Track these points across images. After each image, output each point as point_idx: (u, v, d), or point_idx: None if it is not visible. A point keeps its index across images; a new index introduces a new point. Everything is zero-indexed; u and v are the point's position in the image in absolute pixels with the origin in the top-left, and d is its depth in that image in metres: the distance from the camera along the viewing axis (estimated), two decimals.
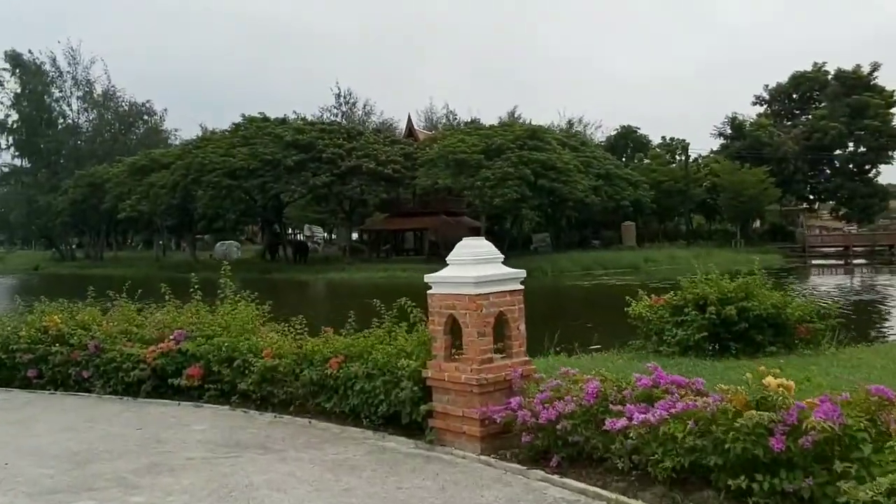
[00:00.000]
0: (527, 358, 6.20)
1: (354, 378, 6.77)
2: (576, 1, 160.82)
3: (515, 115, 74.91)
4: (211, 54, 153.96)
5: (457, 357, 6.05)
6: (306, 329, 8.19)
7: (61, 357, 9.19)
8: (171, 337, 8.58)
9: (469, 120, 75.98)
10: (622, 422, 4.78)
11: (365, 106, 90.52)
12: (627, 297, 10.82)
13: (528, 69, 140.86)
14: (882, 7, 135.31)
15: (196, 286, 9.60)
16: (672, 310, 10.12)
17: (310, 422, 7.13)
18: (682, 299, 10.05)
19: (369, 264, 49.85)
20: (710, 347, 9.88)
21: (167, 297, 9.94)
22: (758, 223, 63.88)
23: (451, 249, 6.53)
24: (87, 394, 8.98)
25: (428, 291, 6.37)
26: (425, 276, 6.47)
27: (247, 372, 7.78)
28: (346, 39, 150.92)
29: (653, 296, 10.79)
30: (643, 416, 4.68)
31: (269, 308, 9.30)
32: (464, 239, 6.46)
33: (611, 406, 5.01)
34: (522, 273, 6.24)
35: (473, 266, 6.00)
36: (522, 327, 6.18)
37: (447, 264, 6.25)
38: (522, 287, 6.22)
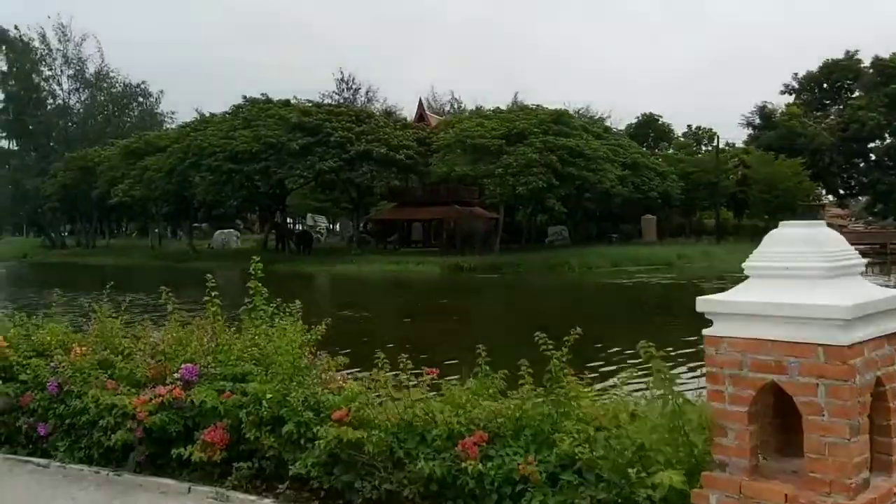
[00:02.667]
0: None
1: (524, 485, 3.66)
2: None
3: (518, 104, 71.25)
4: (198, 44, 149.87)
5: (766, 462, 2.98)
6: (383, 361, 5.01)
7: (4, 402, 5.99)
8: (177, 376, 5.38)
9: (474, 108, 72.70)
10: None
11: (368, 92, 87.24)
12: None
13: (524, 63, 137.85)
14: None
15: (212, 290, 6.45)
16: None
17: None
18: None
19: (378, 256, 46.55)
20: None
21: (168, 302, 6.73)
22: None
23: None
24: (42, 461, 5.75)
25: (706, 331, 3.22)
26: (698, 300, 3.26)
27: (305, 443, 4.65)
28: (339, 31, 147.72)
29: None
30: None
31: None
32: (781, 226, 3.27)
33: None
34: None
35: (828, 283, 2.89)
36: None
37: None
38: None
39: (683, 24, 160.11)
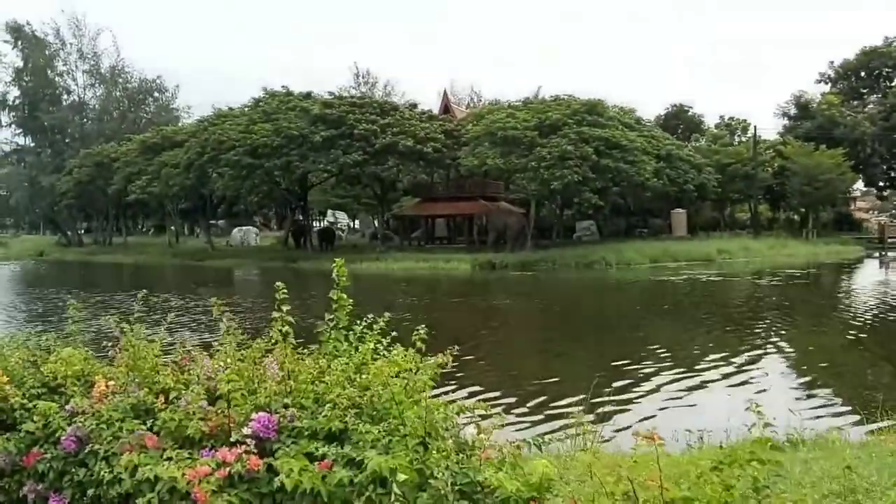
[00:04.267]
0: None
1: None
2: None
3: (539, 97, 68.92)
4: (209, 43, 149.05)
5: None
6: None
7: (2, 459, 4.33)
8: (246, 431, 3.67)
9: (494, 101, 70.73)
10: None
11: (386, 86, 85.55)
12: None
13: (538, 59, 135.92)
14: None
15: (282, 303, 4.77)
16: None
17: None
18: None
19: (404, 253, 44.84)
20: None
21: (218, 316, 4.95)
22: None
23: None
24: None
25: None
26: None
27: None
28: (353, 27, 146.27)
29: None
30: None
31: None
32: None
33: None
34: None
35: None
36: None
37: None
38: None
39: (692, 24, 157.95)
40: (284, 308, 4.70)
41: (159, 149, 52.66)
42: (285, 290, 4.81)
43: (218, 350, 4.88)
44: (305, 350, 4.73)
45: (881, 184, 60.31)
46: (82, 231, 76.81)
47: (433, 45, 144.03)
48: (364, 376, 4.18)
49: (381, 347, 4.69)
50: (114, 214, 68.33)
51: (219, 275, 40.05)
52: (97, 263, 53.15)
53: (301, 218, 55.53)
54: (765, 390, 10.69)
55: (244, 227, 63.56)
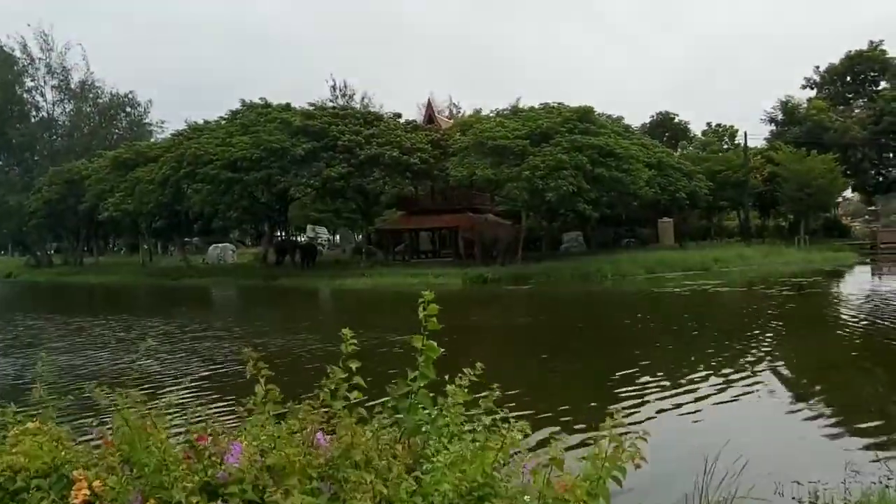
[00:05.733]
0: None
1: None
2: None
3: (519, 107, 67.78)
4: (184, 61, 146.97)
5: None
6: None
7: None
8: None
9: (475, 110, 69.70)
10: None
11: (363, 99, 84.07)
12: None
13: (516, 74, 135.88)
14: None
15: (351, 358, 3.28)
16: None
17: None
18: None
19: (389, 268, 43.23)
20: None
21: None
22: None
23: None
24: None
25: None
26: None
27: None
28: (327, 45, 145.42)
29: None
30: None
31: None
32: None
33: None
34: None
35: None
36: None
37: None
38: None
39: (667, 29, 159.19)
40: (354, 365, 3.24)
41: (132, 165, 50.65)
42: (353, 341, 3.35)
43: (248, 421, 3.40)
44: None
45: (868, 188, 59.96)
46: (52, 251, 74.12)
47: (401, 64, 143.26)
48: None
49: (497, 420, 3.32)
50: (84, 234, 65.83)
51: (197, 294, 38.20)
52: (69, 284, 50.87)
53: (281, 234, 53.78)
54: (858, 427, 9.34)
55: (221, 245, 61.60)
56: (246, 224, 60.77)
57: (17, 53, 71.23)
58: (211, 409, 4.92)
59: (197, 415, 3.42)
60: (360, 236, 65.41)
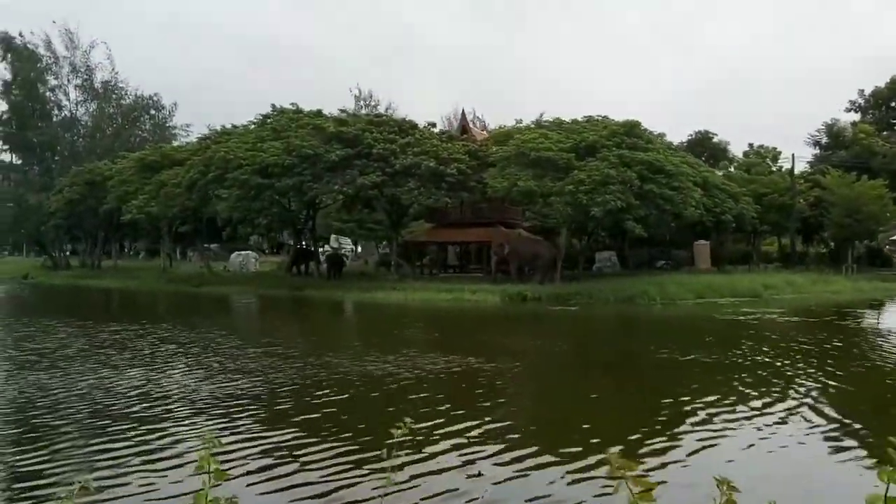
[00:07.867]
0: None
1: None
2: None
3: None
4: (198, 71, 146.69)
5: None
6: None
7: None
8: None
9: (496, 127, 68.09)
10: None
11: (388, 109, 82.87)
12: None
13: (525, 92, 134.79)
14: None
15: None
16: None
17: None
18: None
19: (420, 283, 41.48)
20: None
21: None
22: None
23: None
24: None
25: None
26: None
27: None
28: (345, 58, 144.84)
29: None
30: None
31: None
32: None
33: None
34: None
35: None
36: None
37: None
38: None
39: (676, 48, 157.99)
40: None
41: (158, 167, 49.32)
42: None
43: None
44: None
45: None
46: (68, 253, 72.85)
47: (412, 79, 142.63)
48: None
49: None
50: (103, 236, 64.51)
51: (225, 303, 36.63)
52: (87, 288, 49.43)
53: (304, 243, 52.18)
54: None
55: (243, 252, 60.08)
56: (275, 232, 59.33)
57: (41, 51, 70.30)
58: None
59: None
60: (381, 248, 63.74)
